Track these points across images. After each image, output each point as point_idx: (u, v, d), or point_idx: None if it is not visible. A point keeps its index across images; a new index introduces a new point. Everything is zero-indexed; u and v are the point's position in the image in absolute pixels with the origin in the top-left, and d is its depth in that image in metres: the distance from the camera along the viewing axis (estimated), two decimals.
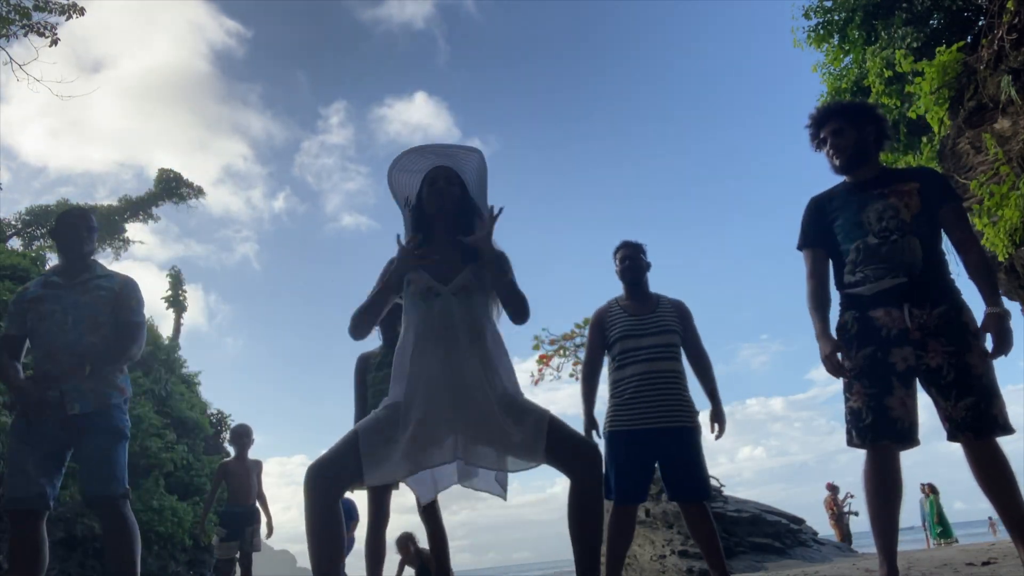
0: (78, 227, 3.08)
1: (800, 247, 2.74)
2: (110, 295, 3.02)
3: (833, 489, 13.71)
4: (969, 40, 5.70)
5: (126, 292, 3.07)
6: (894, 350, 2.41)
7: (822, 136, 2.70)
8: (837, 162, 2.65)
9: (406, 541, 7.00)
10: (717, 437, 3.41)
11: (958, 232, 2.50)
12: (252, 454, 6.08)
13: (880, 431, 2.40)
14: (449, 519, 3.83)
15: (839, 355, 2.48)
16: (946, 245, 2.58)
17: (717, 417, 3.39)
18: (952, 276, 2.53)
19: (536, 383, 10.99)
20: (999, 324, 2.33)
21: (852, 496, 13.28)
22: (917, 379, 2.45)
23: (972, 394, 2.31)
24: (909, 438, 2.41)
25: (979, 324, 2.40)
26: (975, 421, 2.30)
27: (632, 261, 3.42)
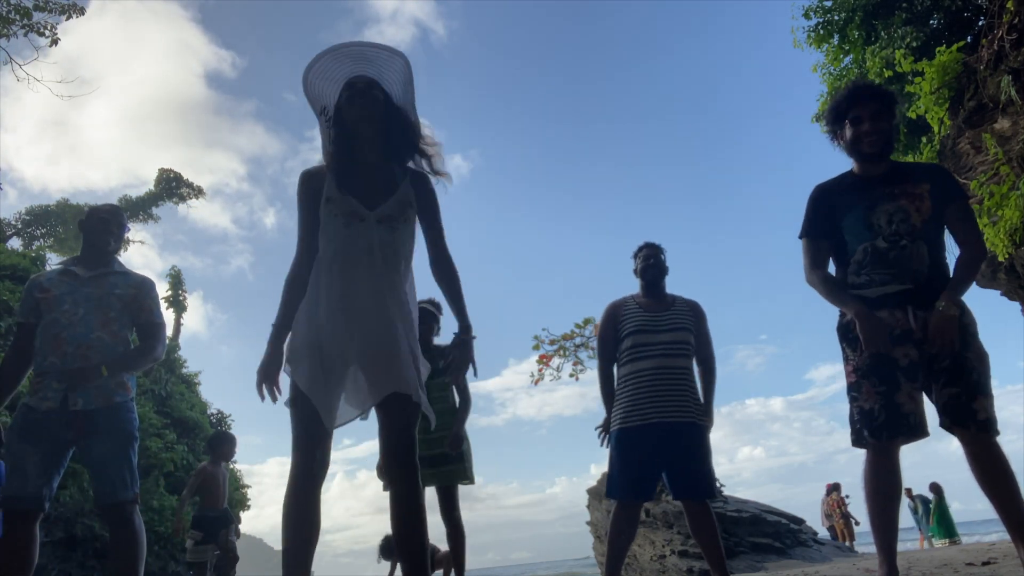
0: (108, 223, 3.10)
1: (803, 236, 2.66)
2: (126, 294, 3.01)
3: (836, 489, 13.64)
4: (969, 40, 5.70)
5: (144, 292, 3.08)
6: (897, 348, 2.39)
7: (855, 115, 2.52)
8: (871, 148, 2.51)
9: (389, 542, 6.84)
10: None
11: (959, 233, 2.49)
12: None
13: (894, 428, 2.38)
14: None
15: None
16: (949, 243, 2.56)
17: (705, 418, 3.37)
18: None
19: (536, 383, 10.96)
20: (938, 317, 2.31)
21: (849, 497, 13.28)
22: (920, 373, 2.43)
23: (958, 385, 2.33)
24: (920, 430, 2.40)
25: (975, 323, 2.41)
26: (953, 410, 2.32)
27: (655, 260, 3.47)
